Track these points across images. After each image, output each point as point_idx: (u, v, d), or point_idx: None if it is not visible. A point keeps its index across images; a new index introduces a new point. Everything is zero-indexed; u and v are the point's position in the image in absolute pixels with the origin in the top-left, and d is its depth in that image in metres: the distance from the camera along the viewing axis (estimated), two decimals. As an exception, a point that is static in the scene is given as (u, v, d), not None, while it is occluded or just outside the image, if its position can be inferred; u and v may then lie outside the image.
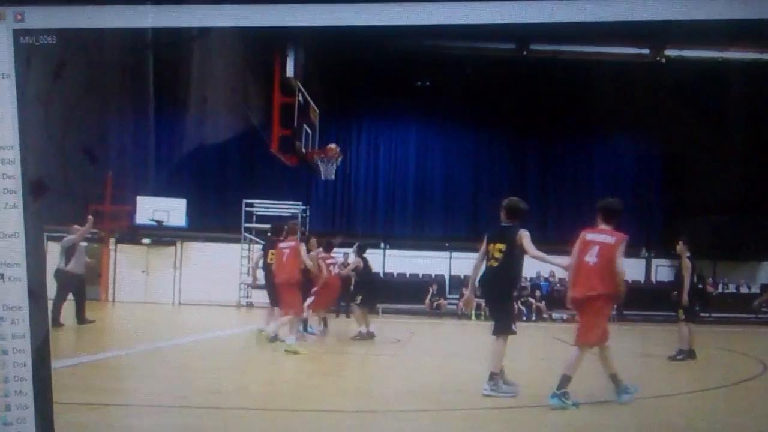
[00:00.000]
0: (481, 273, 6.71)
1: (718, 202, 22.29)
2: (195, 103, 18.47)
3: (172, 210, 19.94)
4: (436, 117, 23.62)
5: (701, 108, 21.34)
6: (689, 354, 10.03)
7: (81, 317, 11.73)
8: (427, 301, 20.80)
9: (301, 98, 16.29)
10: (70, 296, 11.44)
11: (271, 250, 10.72)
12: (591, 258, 5.96)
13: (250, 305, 22.38)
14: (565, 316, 21.17)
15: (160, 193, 20.23)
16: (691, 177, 22.98)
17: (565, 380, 5.79)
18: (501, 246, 6.36)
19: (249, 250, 22.39)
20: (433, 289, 21.19)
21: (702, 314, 22.00)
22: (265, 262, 10.81)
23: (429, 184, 24.69)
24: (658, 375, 9.16)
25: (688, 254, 10.76)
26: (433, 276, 23.26)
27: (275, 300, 10.56)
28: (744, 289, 22.80)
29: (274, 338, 10.20)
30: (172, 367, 7.56)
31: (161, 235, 21.12)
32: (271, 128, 15.91)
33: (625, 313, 21.47)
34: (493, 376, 6.18)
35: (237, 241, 21.85)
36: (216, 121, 18.79)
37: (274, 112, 15.82)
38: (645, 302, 22.26)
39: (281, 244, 10.37)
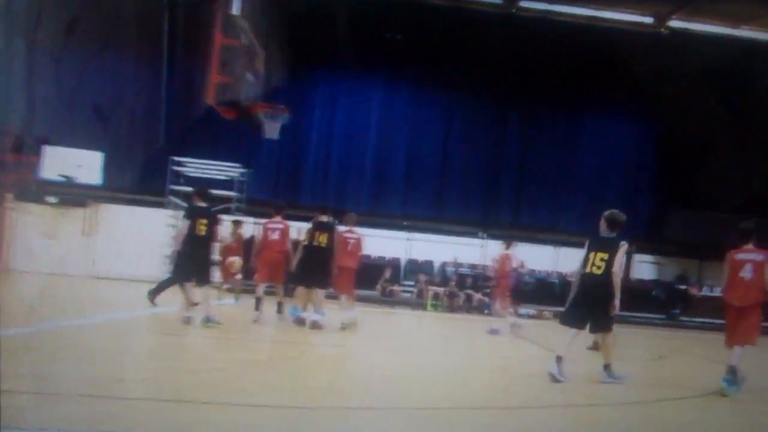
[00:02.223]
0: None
1: (711, 196, 22.86)
2: (118, 39, 17.95)
3: (86, 164, 19.45)
4: (405, 77, 23.47)
5: (702, 90, 21.73)
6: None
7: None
8: (379, 285, 20.80)
9: (245, 40, 15.86)
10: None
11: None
12: (745, 274, 7.78)
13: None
14: (532, 312, 21.40)
15: (73, 144, 19.65)
16: (684, 166, 23.45)
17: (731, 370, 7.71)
18: (603, 255, 7.85)
19: (175, 217, 22.00)
20: (386, 273, 21.18)
21: (682, 318, 22.69)
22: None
23: (390, 153, 24.57)
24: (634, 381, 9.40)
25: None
26: (387, 259, 23.29)
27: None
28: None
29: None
30: (74, 350, 7.35)
31: (71, 194, 20.50)
32: (207, 74, 15.45)
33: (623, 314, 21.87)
34: (607, 367, 8.07)
35: (161, 205, 21.47)
36: (142, 61, 18.31)
37: (213, 56, 15.33)
38: (622, 302, 22.68)
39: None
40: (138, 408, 5.09)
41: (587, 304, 7.96)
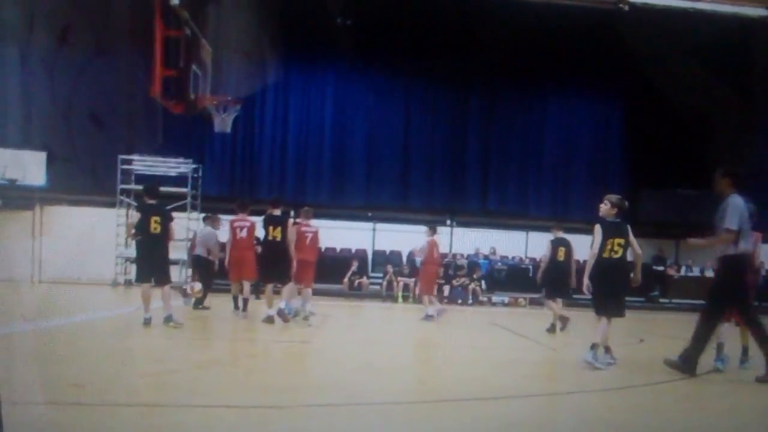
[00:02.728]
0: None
1: (684, 173, 23.14)
2: (57, 35, 17.73)
3: (29, 166, 19.23)
4: (360, 63, 23.39)
5: (666, 66, 21.98)
6: (551, 328, 12.88)
7: None
8: (346, 279, 20.87)
9: (189, 32, 15.74)
10: None
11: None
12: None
13: (129, 283, 21.95)
14: (506, 299, 21.62)
15: (14, 145, 19.41)
16: (654, 143, 23.69)
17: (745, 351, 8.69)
18: (620, 240, 8.33)
19: (127, 216, 21.85)
20: (353, 265, 21.24)
21: (662, 300, 23.00)
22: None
23: (349, 142, 24.45)
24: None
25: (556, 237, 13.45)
26: (353, 251, 23.32)
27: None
28: (711, 273, 23.51)
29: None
30: (25, 356, 7.32)
31: (15, 197, 20.28)
32: (151, 68, 15.30)
33: (575, 297, 22.04)
34: (594, 346, 8.33)
35: (111, 205, 21.30)
36: (84, 57, 18.08)
37: (156, 48, 15.19)
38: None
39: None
40: (92, 413, 5.06)
41: (614, 289, 8.41)
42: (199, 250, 14.42)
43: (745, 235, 7.86)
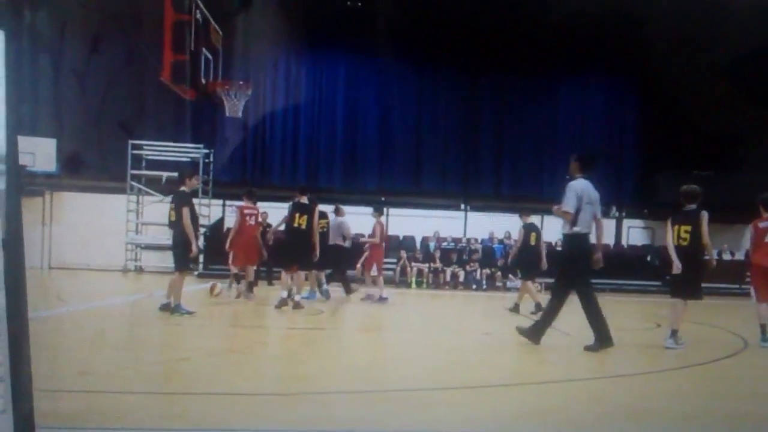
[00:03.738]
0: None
1: (700, 155, 23.09)
2: (68, 20, 17.90)
3: (39, 152, 19.42)
4: (371, 46, 23.38)
5: (687, 45, 21.90)
6: (536, 308, 12.82)
7: None
8: (359, 266, 21.01)
9: (199, 16, 15.92)
10: None
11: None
12: None
13: (139, 269, 22.23)
14: (519, 284, 21.74)
15: (24, 131, 19.59)
16: (669, 125, 23.62)
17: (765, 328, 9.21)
18: (687, 227, 8.90)
19: (138, 202, 22.14)
20: (366, 251, 21.36)
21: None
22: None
23: (361, 127, 24.57)
24: (625, 352, 9.72)
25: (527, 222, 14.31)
26: (366, 236, 23.48)
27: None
28: (727, 256, 23.26)
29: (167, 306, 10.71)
30: (35, 344, 7.45)
31: (25, 183, 20.57)
32: (161, 53, 15.47)
33: (591, 281, 21.99)
34: (673, 333, 8.84)
35: (122, 191, 21.54)
36: (94, 42, 18.24)
37: (165, 33, 15.35)
38: (615, 270, 22.98)
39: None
40: (100, 401, 5.14)
41: (683, 275, 9.00)
42: (335, 240, 14.96)
43: (584, 216, 8.51)
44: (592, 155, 9.74)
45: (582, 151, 9.63)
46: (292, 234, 12.32)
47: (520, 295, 14.04)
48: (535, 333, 8.63)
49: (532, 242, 14.04)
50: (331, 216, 15.04)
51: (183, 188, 10.80)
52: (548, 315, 8.75)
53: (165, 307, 10.68)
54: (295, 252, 12.24)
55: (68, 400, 5.00)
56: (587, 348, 8.38)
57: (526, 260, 14.16)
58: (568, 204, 8.51)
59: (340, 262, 15.35)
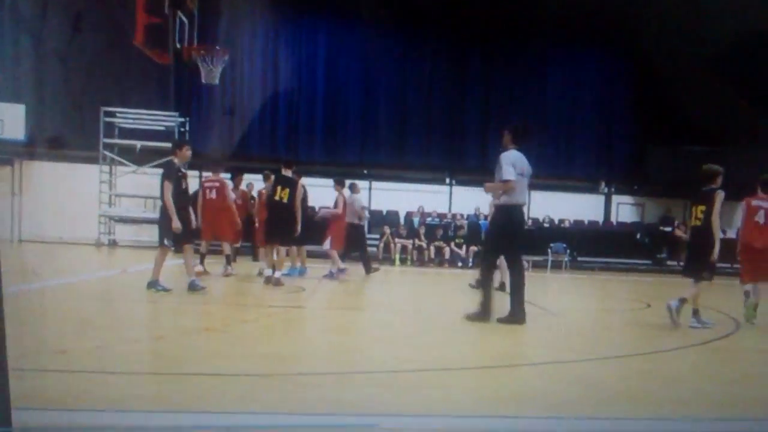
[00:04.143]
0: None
1: (694, 129, 22.97)
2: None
3: (7, 119, 19.07)
4: (355, 12, 23.00)
5: (679, 18, 21.70)
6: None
7: None
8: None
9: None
10: None
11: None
12: (760, 219, 9.41)
13: (113, 243, 21.93)
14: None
15: (-11, 97, 19.22)
16: (661, 99, 23.46)
17: (755, 306, 9.38)
18: (702, 207, 8.94)
19: (111, 173, 21.75)
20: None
21: (669, 262, 23.02)
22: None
23: (343, 96, 24.21)
24: (615, 333, 9.59)
25: None
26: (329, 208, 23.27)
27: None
28: (719, 234, 23.37)
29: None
30: (7, 320, 7.26)
31: (-7, 151, 20.16)
32: (134, 15, 15.09)
33: (579, 259, 22.34)
34: (695, 313, 8.91)
35: (94, 160, 21.17)
36: (61, 4, 17.80)
37: (138, -6, 15.02)
38: (604, 247, 22.97)
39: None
40: (75, 380, 5.00)
41: (690, 253, 9.36)
42: (349, 218, 14.98)
43: (517, 187, 8.55)
44: (524, 126, 9.85)
45: (515, 121, 9.80)
46: (273, 208, 12.17)
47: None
48: (483, 313, 8.57)
49: None
50: (347, 192, 15.00)
51: (174, 159, 10.47)
52: (486, 290, 8.73)
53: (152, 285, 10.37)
54: (275, 226, 12.10)
55: (42, 379, 4.89)
56: (499, 320, 8.44)
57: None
58: (508, 173, 8.49)
59: (359, 240, 15.41)
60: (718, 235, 8.73)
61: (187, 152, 10.51)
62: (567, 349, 7.43)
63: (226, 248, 13.60)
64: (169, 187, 10.10)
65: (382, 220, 23.11)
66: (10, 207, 20.60)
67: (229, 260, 13.62)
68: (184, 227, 10.16)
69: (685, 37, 21.36)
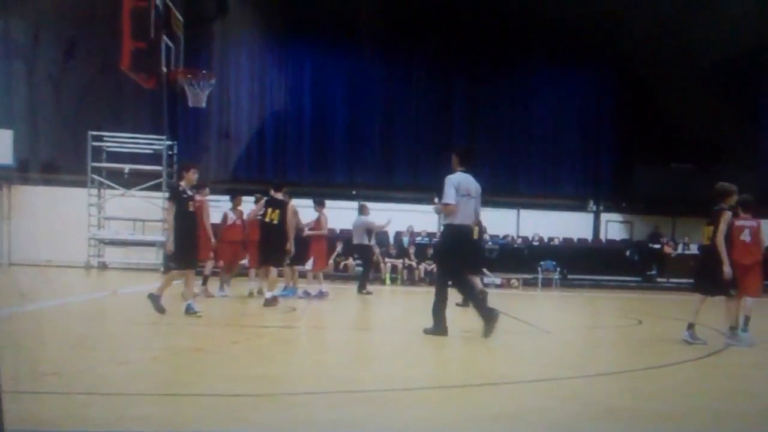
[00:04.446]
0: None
1: (681, 148, 23.18)
2: (24, 8, 17.55)
3: (-6, 143, 19.15)
4: (338, 34, 23.21)
5: (665, 37, 21.96)
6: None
7: None
8: (331, 261, 20.84)
9: (158, 2, 15.69)
10: None
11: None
12: (746, 237, 9.73)
13: (103, 266, 21.94)
14: (498, 281, 21.69)
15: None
16: (648, 117, 23.64)
17: (747, 320, 9.57)
18: (710, 226, 9.31)
19: (99, 196, 21.79)
20: (338, 247, 21.20)
21: (659, 279, 23.18)
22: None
23: (331, 118, 24.35)
24: (607, 350, 9.69)
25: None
26: (338, 231, 23.29)
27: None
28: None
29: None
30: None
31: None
32: (120, 40, 15.21)
33: (569, 277, 22.47)
34: (690, 326, 9.22)
35: (83, 184, 21.21)
36: (49, 30, 17.93)
37: (124, 20, 15.11)
38: (593, 265, 23.10)
39: None
40: (68, 403, 4.99)
41: (704, 272, 9.52)
42: (357, 239, 15.91)
43: (462, 208, 8.97)
44: (469, 149, 10.64)
45: (460, 145, 10.06)
46: (264, 229, 12.33)
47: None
48: (439, 328, 8.95)
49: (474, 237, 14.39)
50: (354, 214, 15.93)
51: (181, 182, 10.47)
52: (440, 304, 9.06)
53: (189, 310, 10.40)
54: (266, 248, 12.28)
55: (33, 402, 4.90)
56: (425, 330, 9.00)
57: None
58: (448, 196, 8.89)
59: (368, 259, 16.17)
60: (724, 252, 9.07)
61: (194, 175, 10.47)
62: (561, 366, 7.49)
63: (208, 267, 13.72)
64: (171, 209, 10.18)
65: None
66: (0, 231, 20.64)
67: (206, 280, 13.64)
68: (188, 250, 10.20)
69: (672, 56, 21.60)
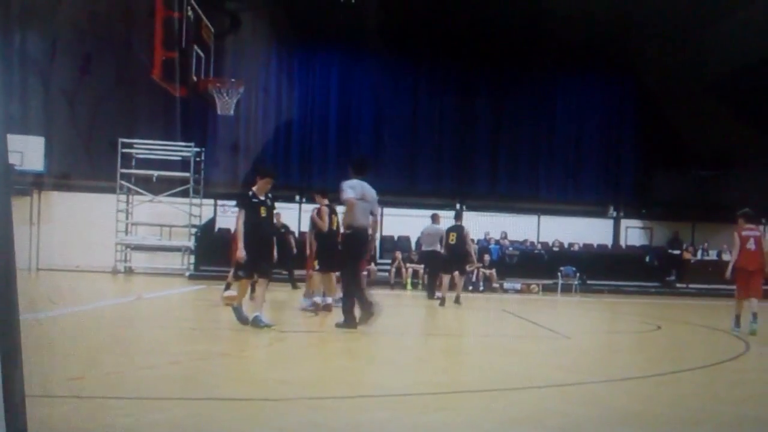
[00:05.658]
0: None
1: (700, 154, 23.12)
2: (57, 17, 17.82)
3: (27, 151, 19.37)
4: (365, 43, 23.32)
5: (685, 44, 21.89)
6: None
7: None
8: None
9: (190, 12, 15.93)
10: None
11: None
12: (751, 246, 11.21)
13: (129, 271, 22.17)
14: (518, 286, 21.75)
15: (12, 129, 19.45)
16: (668, 124, 23.58)
17: (755, 316, 10.83)
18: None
19: (128, 202, 22.06)
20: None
21: (678, 284, 23.11)
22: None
23: (355, 125, 24.56)
24: (627, 355, 9.70)
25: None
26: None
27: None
28: (727, 256, 23.28)
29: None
30: (25, 348, 7.35)
31: (13, 183, 20.46)
32: (152, 50, 15.43)
33: (589, 282, 22.46)
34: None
35: (112, 190, 21.50)
36: (83, 39, 18.20)
37: (156, 30, 15.33)
38: (612, 270, 23.08)
39: None
40: (89, 406, 5.08)
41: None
42: (427, 246, 16.44)
43: (359, 211, 9.65)
44: (362, 159, 11.68)
45: (354, 156, 11.92)
46: (331, 236, 12.11)
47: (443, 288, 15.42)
48: (349, 322, 9.75)
49: (452, 241, 15.50)
50: (427, 222, 16.57)
51: (253, 188, 10.01)
52: (348, 299, 9.86)
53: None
54: (333, 254, 11.75)
55: (59, 406, 4.92)
56: (337, 324, 9.82)
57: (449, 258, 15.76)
58: (347, 194, 9.58)
59: (438, 266, 16.30)
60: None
61: (267, 185, 9.95)
62: (581, 371, 7.54)
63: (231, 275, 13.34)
64: (241, 216, 9.83)
65: (393, 245, 23.32)
66: (28, 236, 20.82)
67: (228, 286, 13.13)
68: (258, 258, 9.78)
69: (692, 64, 21.54)
